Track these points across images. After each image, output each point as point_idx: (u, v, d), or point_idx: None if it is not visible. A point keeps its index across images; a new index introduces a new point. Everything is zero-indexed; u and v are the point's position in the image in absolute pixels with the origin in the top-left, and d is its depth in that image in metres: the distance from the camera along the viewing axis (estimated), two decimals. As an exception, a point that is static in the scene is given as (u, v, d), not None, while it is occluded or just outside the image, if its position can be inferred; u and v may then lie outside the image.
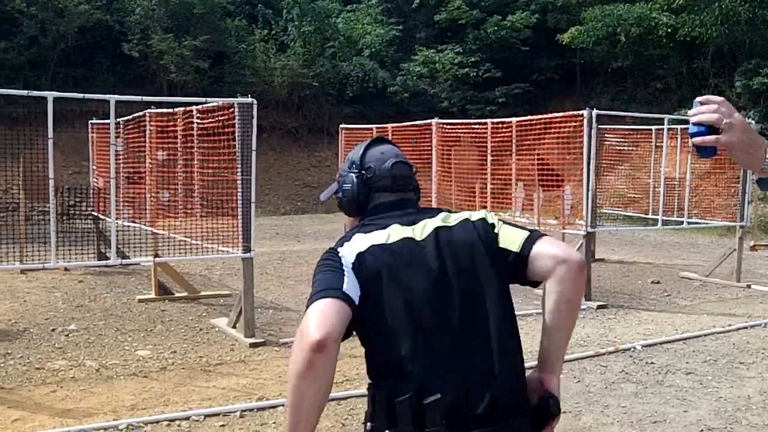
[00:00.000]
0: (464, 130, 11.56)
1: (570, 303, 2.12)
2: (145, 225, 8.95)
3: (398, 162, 2.34)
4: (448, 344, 2.04)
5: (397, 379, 1.99)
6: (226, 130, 7.24)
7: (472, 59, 26.56)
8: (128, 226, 9.44)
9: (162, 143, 8.73)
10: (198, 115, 7.90)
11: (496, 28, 26.60)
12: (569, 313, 2.15)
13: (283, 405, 5.35)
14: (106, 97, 6.90)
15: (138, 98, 7.34)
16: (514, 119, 10.64)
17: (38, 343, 7.09)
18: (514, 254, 2.12)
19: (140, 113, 9.05)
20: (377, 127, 13.42)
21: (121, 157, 9.45)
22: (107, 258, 10.49)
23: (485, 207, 11.17)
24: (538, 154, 10.52)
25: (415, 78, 25.77)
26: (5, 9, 21.09)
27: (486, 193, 11.04)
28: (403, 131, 12.68)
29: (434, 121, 11.57)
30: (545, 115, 10.19)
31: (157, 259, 8.50)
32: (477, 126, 11.27)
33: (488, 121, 11.13)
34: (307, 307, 1.94)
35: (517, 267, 2.13)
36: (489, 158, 10.83)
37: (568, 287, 2.09)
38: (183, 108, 8.26)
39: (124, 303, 8.84)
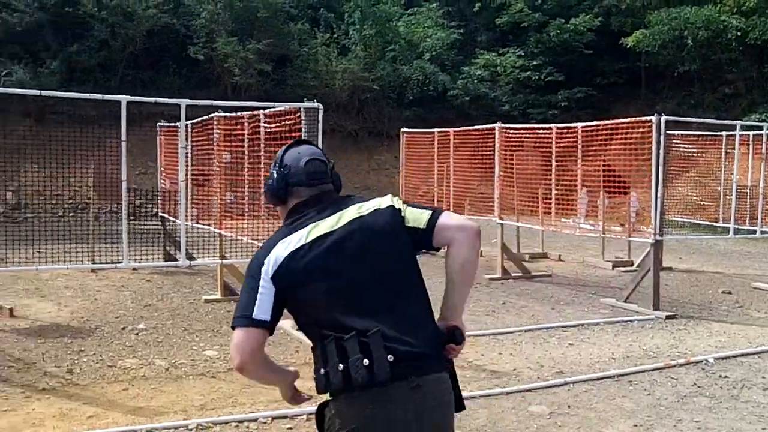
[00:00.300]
0: (528, 135, 11.47)
1: (470, 262, 2.63)
2: (211, 226, 9.06)
3: (312, 159, 2.74)
4: (375, 304, 2.53)
5: (340, 331, 2.45)
6: (293, 134, 7.29)
7: (534, 62, 26.38)
8: (195, 227, 9.59)
9: (228, 146, 8.83)
10: (265, 118, 7.98)
11: (558, 31, 26.37)
12: (470, 271, 2.66)
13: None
14: (178, 101, 7.02)
15: (208, 102, 7.45)
16: (579, 124, 10.53)
17: (110, 341, 7.25)
18: (421, 230, 2.62)
19: (207, 116, 9.17)
20: (439, 131, 13.37)
21: (188, 159, 9.61)
22: (174, 258, 10.71)
23: (549, 213, 11.08)
24: (603, 160, 10.40)
25: (475, 81, 25.65)
26: (77, 13, 21.59)
27: (549, 198, 10.94)
28: (465, 135, 12.62)
29: (497, 125, 11.49)
30: (611, 121, 10.06)
31: (223, 261, 8.61)
32: (541, 131, 11.18)
33: (553, 126, 11.03)
34: (232, 325, 2.53)
35: (424, 239, 2.62)
36: (553, 163, 10.73)
37: (468, 249, 2.61)
38: (250, 112, 8.35)
39: (190, 303, 8.98)
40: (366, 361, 2.41)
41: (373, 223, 2.62)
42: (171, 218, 11.10)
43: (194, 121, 9.50)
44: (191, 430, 5.01)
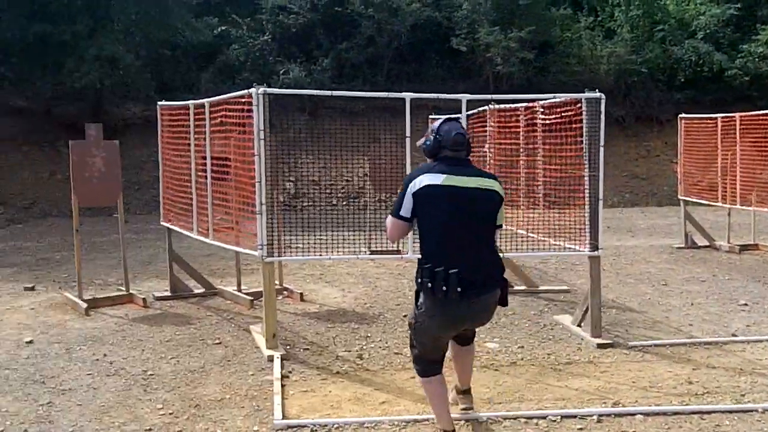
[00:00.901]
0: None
1: None
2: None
3: (458, 133, 4.39)
4: (463, 244, 4.25)
5: (435, 261, 4.21)
6: (572, 125, 7.15)
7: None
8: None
9: (503, 138, 8.85)
10: (542, 110, 7.90)
11: None
12: None
13: (642, 413, 5.19)
14: (458, 96, 7.11)
15: (488, 97, 7.48)
16: None
17: (393, 328, 7.54)
18: (497, 223, 4.47)
19: (478, 109, 9.22)
20: (722, 116, 12.52)
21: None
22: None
23: None
24: None
25: (756, 60, 23.71)
26: (346, 12, 22.67)
27: None
28: (753, 120, 11.73)
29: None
30: None
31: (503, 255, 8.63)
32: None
33: None
34: (389, 213, 4.38)
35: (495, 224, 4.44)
36: None
37: None
38: (526, 104, 8.30)
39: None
40: (444, 288, 4.17)
41: (485, 197, 4.34)
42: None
43: (470, 113, 9.61)
44: (482, 422, 5.07)
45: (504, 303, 4.50)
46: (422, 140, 4.52)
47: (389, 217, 4.39)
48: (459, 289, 4.15)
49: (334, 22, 23.47)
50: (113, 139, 9.24)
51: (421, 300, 4.39)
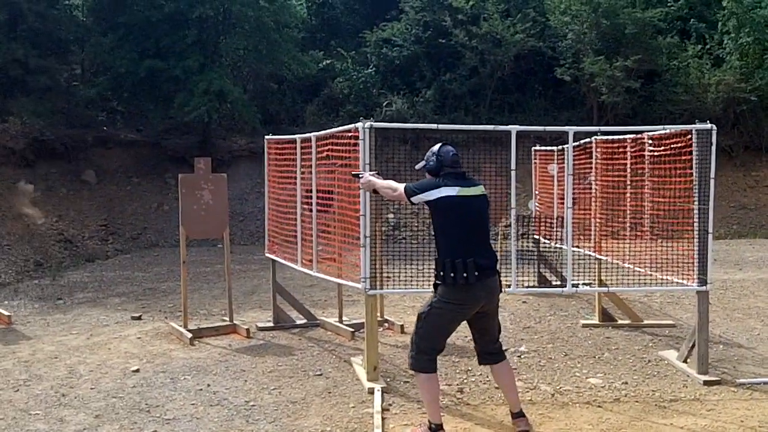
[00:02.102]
0: None
1: None
2: (589, 251, 8.98)
3: (454, 154, 5.40)
4: (474, 240, 5.27)
5: (455, 254, 5.16)
6: (681, 156, 7.00)
7: None
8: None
9: (609, 169, 8.73)
10: (650, 141, 7.76)
11: None
12: None
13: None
14: (565, 128, 7.06)
15: (595, 129, 7.42)
16: None
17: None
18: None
19: (585, 140, 9.13)
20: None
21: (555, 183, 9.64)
22: (547, 281, 10.79)
23: None
24: None
25: None
26: (450, 43, 22.79)
27: None
28: None
29: None
30: None
31: (603, 288, 8.50)
32: None
33: None
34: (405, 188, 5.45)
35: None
36: None
37: None
38: (633, 135, 8.17)
39: (568, 327, 8.98)
40: (465, 274, 5.11)
41: (483, 202, 5.43)
42: (545, 240, 11.20)
43: (576, 144, 9.52)
44: (583, 460, 4.98)
45: (500, 288, 5.48)
46: (422, 163, 5.55)
47: (400, 188, 5.50)
48: (476, 273, 5.13)
49: (437, 53, 23.64)
50: (219, 170, 9.53)
51: (439, 291, 5.29)
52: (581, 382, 6.76)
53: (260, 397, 6.46)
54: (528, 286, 9.51)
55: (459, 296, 5.22)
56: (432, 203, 5.29)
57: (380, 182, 5.74)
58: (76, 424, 5.82)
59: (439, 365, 7.23)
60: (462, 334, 8.65)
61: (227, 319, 9.09)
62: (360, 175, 5.93)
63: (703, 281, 6.79)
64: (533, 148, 12.15)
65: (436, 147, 5.46)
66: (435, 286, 5.36)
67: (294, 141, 8.56)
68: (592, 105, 23.20)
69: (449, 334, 5.50)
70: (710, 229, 6.72)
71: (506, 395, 5.66)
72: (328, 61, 24.05)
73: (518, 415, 5.53)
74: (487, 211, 5.49)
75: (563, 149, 9.15)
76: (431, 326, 5.34)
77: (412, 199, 5.38)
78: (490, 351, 5.58)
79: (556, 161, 10.62)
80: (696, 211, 6.79)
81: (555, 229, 10.76)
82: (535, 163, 11.92)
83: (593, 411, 5.99)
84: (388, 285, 7.52)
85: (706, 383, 6.64)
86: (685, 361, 7.17)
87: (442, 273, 5.22)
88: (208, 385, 6.80)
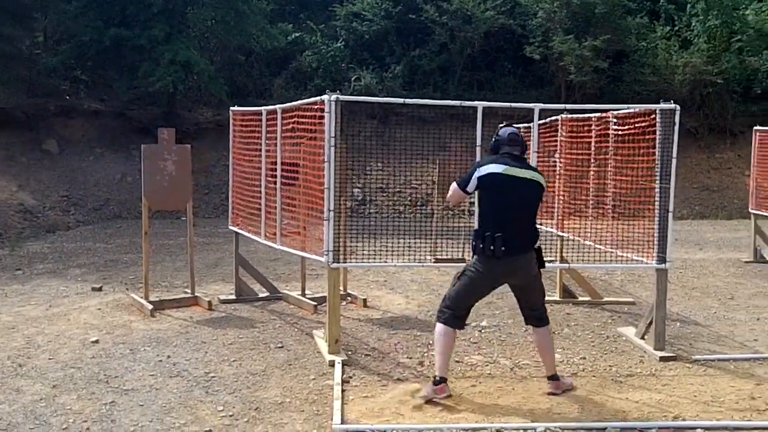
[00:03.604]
0: None
1: None
2: (552, 228, 9.03)
3: (511, 133, 5.75)
4: (510, 217, 5.54)
5: (488, 228, 5.55)
6: (645, 136, 7.05)
7: None
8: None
9: (573, 148, 8.77)
10: (614, 120, 7.80)
11: None
12: None
13: (702, 428, 5.12)
14: (531, 105, 7.08)
15: (560, 106, 7.45)
16: None
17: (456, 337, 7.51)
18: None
19: (552, 118, 9.15)
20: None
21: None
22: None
23: None
24: None
25: (838, 72, 22.96)
26: (420, 19, 22.67)
27: None
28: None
29: None
30: None
31: (564, 265, 8.56)
32: None
33: None
34: (456, 183, 5.78)
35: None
36: None
37: None
38: (598, 114, 8.21)
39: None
40: (492, 248, 5.48)
41: (531, 186, 5.64)
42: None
43: (542, 121, 9.54)
44: (539, 433, 5.04)
45: (542, 265, 5.77)
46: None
47: (454, 184, 5.80)
48: (503, 248, 5.46)
49: (407, 29, 23.52)
50: (185, 142, 9.44)
51: (474, 258, 5.71)
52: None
53: (220, 368, 6.44)
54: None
55: (486, 267, 5.62)
56: (481, 179, 5.60)
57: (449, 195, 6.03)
58: (33, 395, 5.76)
59: (401, 338, 7.40)
60: (424, 308, 8.73)
61: (189, 291, 9.04)
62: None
63: (662, 259, 6.87)
64: (499, 125, 12.15)
65: (499, 129, 5.86)
66: (472, 254, 5.77)
67: (259, 113, 8.50)
68: (560, 84, 23.26)
69: (477, 297, 5.84)
70: (671, 208, 6.78)
71: (543, 358, 6.02)
72: (297, 34, 23.82)
73: (552, 378, 5.89)
74: (535, 196, 5.73)
75: (530, 127, 9.17)
76: (461, 286, 5.73)
77: (467, 189, 5.72)
78: (530, 316, 5.92)
79: (535, 140, 10.61)
80: (657, 190, 6.85)
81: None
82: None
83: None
84: (351, 259, 7.51)
85: (662, 359, 6.75)
86: (642, 338, 7.27)
87: (474, 243, 5.66)
88: (168, 357, 6.77)
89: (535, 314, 5.89)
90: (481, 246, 5.57)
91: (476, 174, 5.62)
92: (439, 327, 5.76)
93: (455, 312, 5.73)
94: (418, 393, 5.71)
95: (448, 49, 23.12)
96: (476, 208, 6.03)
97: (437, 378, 5.66)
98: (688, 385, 6.09)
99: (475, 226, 5.89)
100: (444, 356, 5.73)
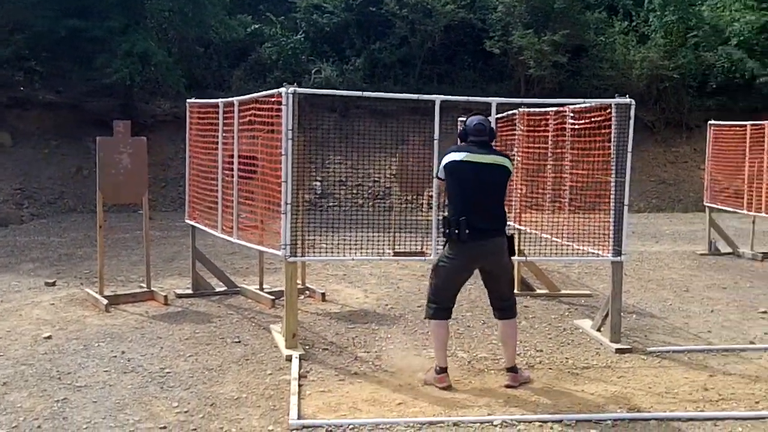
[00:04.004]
0: None
1: None
2: (510, 221, 9.04)
3: (478, 123, 5.81)
4: (475, 201, 5.68)
5: (455, 213, 5.70)
6: (601, 130, 7.10)
7: None
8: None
9: (532, 142, 8.80)
10: (571, 115, 7.84)
11: None
12: None
13: (656, 419, 5.18)
14: (488, 99, 7.09)
15: (518, 100, 7.46)
16: None
17: (413, 330, 7.55)
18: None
19: (509, 112, 9.18)
20: (752, 124, 12.38)
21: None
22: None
23: None
24: None
25: (790, 68, 23.32)
26: (381, 12, 22.64)
27: None
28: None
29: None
30: None
31: (521, 258, 8.58)
32: None
33: None
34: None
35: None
36: None
37: None
38: (556, 108, 8.25)
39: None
40: (456, 232, 5.63)
41: (495, 171, 5.77)
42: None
43: (500, 116, 9.57)
44: (496, 425, 5.05)
45: (512, 253, 5.91)
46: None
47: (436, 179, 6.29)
48: (467, 231, 5.59)
49: (368, 21, 23.47)
50: (142, 135, 9.31)
51: (446, 246, 5.85)
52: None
53: (176, 364, 6.37)
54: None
55: (454, 252, 5.77)
56: (445, 167, 5.81)
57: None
58: (-18, 392, 5.64)
59: (359, 332, 7.38)
60: (383, 302, 8.72)
61: (145, 285, 8.92)
62: None
63: (617, 252, 6.92)
64: (459, 119, 12.18)
65: (467, 117, 5.99)
66: (444, 243, 5.94)
67: (216, 105, 8.40)
68: (520, 78, 23.37)
69: (454, 287, 5.93)
70: (626, 202, 6.84)
71: (504, 348, 6.10)
72: (256, 26, 23.61)
73: (510, 370, 5.95)
74: (498, 179, 5.84)
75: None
76: (437, 278, 5.88)
77: (438, 176, 6.04)
78: (498, 307, 6.00)
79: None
80: (613, 184, 6.90)
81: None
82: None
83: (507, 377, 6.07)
84: (310, 253, 7.46)
85: (618, 351, 6.81)
86: (598, 330, 7.33)
87: (444, 229, 5.86)
88: (123, 352, 6.67)
89: (503, 305, 5.97)
90: (447, 231, 5.75)
91: (442, 162, 5.83)
92: (431, 323, 6.00)
93: (439, 305, 5.89)
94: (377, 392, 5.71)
95: (409, 42, 23.12)
96: (447, 198, 6.21)
97: (438, 368, 5.87)
98: (643, 377, 6.16)
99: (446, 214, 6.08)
100: (441, 348, 5.90)
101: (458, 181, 5.76)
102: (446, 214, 5.94)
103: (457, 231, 5.64)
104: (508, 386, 5.85)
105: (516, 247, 6.03)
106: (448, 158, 5.79)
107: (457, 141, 5.96)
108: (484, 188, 5.74)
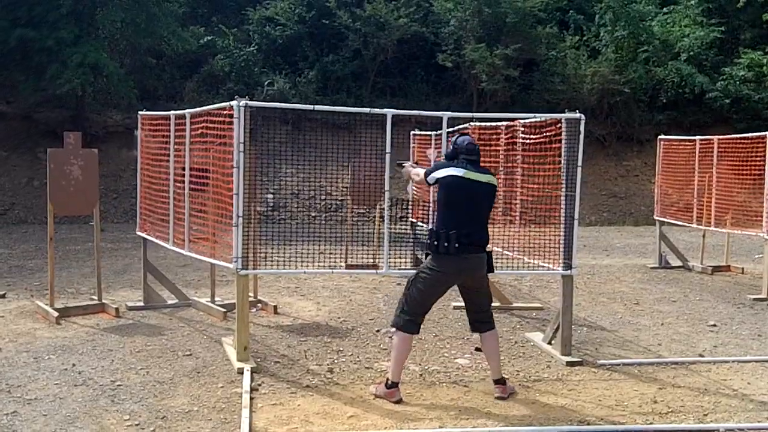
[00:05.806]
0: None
1: None
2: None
3: (469, 143, 5.91)
4: (465, 218, 5.74)
5: (444, 226, 5.72)
6: (552, 144, 7.21)
7: (808, 63, 24.01)
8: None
9: (483, 155, 8.87)
10: (523, 129, 7.94)
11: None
12: None
13: (605, 431, 5.25)
14: (440, 114, 7.16)
15: (469, 114, 7.54)
16: None
17: (365, 343, 7.55)
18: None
19: (461, 126, 9.26)
20: (701, 139, 12.64)
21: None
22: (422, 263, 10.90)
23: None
24: None
25: (737, 83, 23.81)
26: (333, 25, 22.69)
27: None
28: (730, 143, 11.86)
29: (770, 133, 10.63)
30: None
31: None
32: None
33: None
34: (425, 172, 6.12)
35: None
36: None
37: None
38: (507, 122, 8.35)
39: (439, 309, 9.02)
40: (446, 244, 5.64)
41: (487, 190, 5.89)
42: (421, 224, 11.33)
43: (451, 130, 9.65)
44: (448, 439, 5.08)
45: (491, 269, 5.99)
46: (438, 155, 6.37)
47: (422, 170, 6.24)
48: (456, 245, 5.62)
49: (321, 34, 23.51)
50: (93, 146, 9.24)
51: (428, 259, 5.88)
52: (449, 362, 6.89)
53: (127, 377, 6.30)
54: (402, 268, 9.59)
55: (439, 264, 5.76)
56: (441, 180, 5.83)
57: (413, 170, 6.42)
58: (-74, 408, 5.52)
59: (311, 345, 7.37)
60: (335, 315, 8.72)
61: (96, 298, 8.81)
62: (403, 165, 6.60)
63: (567, 266, 7.01)
64: (412, 132, 12.28)
65: (454, 137, 6.11)
66: (426, 255, 5.98)
67: (168, 117, 8.36)
68: (472, 92, 23.57)
69: (432, 300, 5.95)
70: (576, 216, 6.93)
71: (489, 362, 6.14)
72: (209, 38, 23.49)
73: (497, 382, 6.02)
74: (489, 197, 5.97)
75: (440, 134, 9.27)
76: (416, 290, 5.84)
77: (428, 179, 6.00)
78: (478, 320, 6.08)
79: (434, 146, 10.74)
80: (563, 198, 7.00)
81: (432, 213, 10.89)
82: (414, 147, 12.04)
83: (459, 390, 6.13)
84: (261, 265, 7.44)
85: (569, 364, 6.88)
86: (549, 343, 7.41)
87: (430, 241, 5.83)
88: (73, 365, 6.58)
89: (483, 317, 6.05)
90: (435, 243, 5.73)
91: (437, 174, 5.86)
92: (398, 334, 5.90)
93: (412, 318, 5.88)
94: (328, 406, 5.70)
95: (362, 55, 23.21)
96: (436, 210, 6.19)
97: (389, 382, 5.84)
98: (594, 390, 6.23)
99: (430, 226, 6.18)
100: (399, 362, 5.89)
101: (454, 195, 5.79)
102: (433, 227, 5.95)
103: (446, 243, 5.66)
104: (498, 398, 5.93)
105: (492, 263, 6.06)
106: (446, 171, 5.83)
107: (442, 158, 6.13)
108: (477, 205, 5.84)
